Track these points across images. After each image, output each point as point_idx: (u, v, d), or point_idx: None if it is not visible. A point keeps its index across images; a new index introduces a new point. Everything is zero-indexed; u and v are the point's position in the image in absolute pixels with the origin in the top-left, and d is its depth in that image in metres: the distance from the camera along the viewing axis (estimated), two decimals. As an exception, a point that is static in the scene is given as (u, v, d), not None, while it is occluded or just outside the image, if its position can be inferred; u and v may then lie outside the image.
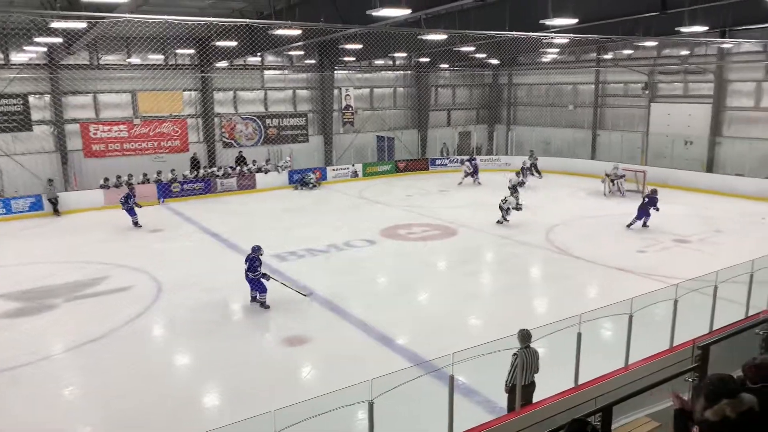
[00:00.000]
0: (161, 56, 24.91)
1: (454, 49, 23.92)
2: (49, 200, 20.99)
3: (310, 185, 26.04)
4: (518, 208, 18.22)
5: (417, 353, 9.52)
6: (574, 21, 13.42)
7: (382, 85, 32.42)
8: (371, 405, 5.29)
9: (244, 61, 26.92)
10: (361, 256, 15.41)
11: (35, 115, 22.81)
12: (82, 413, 8.38)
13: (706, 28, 15.11)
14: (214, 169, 25.66)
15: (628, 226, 17.57)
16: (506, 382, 6.89)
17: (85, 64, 23.29)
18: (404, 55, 28.86)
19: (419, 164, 30.74)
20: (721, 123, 25.23)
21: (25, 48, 20.09)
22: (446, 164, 30.46)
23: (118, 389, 8.74)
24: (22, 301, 12.54)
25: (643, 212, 17.59)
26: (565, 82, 31.87)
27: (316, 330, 10.75)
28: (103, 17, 11.82)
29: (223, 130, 27.38)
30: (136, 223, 18.98)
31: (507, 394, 6.95)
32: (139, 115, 25.03)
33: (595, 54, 30.04)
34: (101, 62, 23.92)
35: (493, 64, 32.82)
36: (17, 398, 8.59)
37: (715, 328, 7.92)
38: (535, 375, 6.92)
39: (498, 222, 18.36)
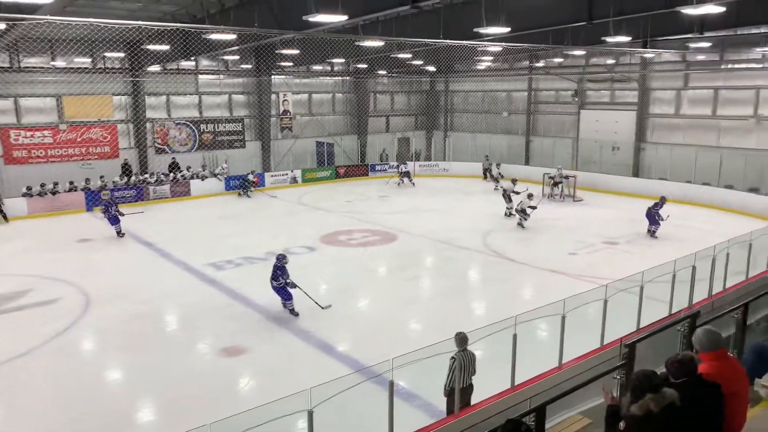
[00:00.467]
0: (89, 59, 23.95)
1: (392, 55, 24.14)
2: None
3: (250, 190, 25.56)
4: (532, 207, 18.68)
5: (357, 360, 9.49)
6: (507, 30, 13.78)
7: (320, 90, 32.30)
8: (311, 414, 5.24)
9: (177, 65, 26.25)
10: (300, 263, 15.19)
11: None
12: (3, 436, 7.91)
13: (630, 38, 15.90)
14: (147, 175, 24.85)
15: (652, 235, 17.41)
16: (445, 385, 6.97)
17: (4, 67, 22.13)
18: (342, 60, 28.88)
19: (359, 170, 30.79)
20: (645, 129, 26.51)
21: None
22: (386, 170, 30.63)
23: (45, 408, 8.30)
24: (-65, 318, 11.73)
25: (652, 218, 17.40)
26: (500, 89, 32.67)
27: (254, 340, 10.55)
28: (24, 19, 11.23)
29: (156, 135, 26.56)
30: (119, 233, 18.09)
31: (446, 398, 7.04)
32: (65, 120, 23.96)
33: (527, 62, 30.97)
34: (23, 65, 22.77)
35: (430, 71, 33.30)
36: (-70, 423, 8.03)
37: (642, 326, 8.28)
38: (473, 377, 7.03)
39: (519, 225, 18.69)
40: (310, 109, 31.96)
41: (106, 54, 23.53)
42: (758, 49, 21.18)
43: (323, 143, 31.50)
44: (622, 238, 17.48)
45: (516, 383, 6.94)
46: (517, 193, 19.98)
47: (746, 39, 21.71)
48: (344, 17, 11.75)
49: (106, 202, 18.62)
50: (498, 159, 29.63)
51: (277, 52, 24.45)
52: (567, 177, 23.93)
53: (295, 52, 22.18)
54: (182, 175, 25.51)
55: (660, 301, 9.11)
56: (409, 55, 24.74)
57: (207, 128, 27.99)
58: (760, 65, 22.50)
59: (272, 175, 27.77)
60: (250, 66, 28.56)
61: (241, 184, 25.69)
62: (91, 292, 13.02)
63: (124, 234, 18.14)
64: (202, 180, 25.63)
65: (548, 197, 23.35)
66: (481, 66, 31.36)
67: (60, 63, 23.42)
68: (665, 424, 3.71)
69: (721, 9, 11.83)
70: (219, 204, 23.81)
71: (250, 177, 25.82)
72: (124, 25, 12.01)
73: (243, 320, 11.46)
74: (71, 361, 9.95)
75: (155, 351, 10.16)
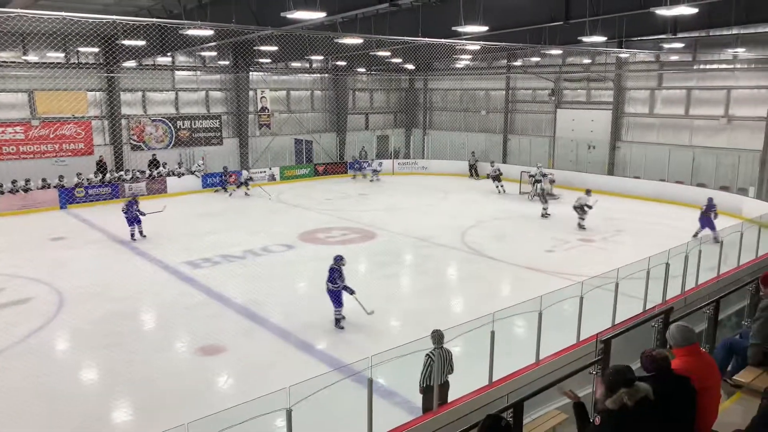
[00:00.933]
0: (62, 54, 23.49)
1: (371, 53, 24.11)
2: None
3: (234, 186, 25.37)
4: (588, 206, 18.21)
5: (336, 357, 9.50)
6: (485, 29, 13.87)
7: (299, 87, 32.13)
8: (289, 412, 5.22)
9: (154, 61, 25.89)
10: (279, 261, 15.17)
11: None
12: (-26, 438, 7.74)
13: (605, 38, 16.13)
14: (122, 173, 24.49)
15: (716, 240, 14.97)
16: (419, 382, 7.00)
17: (-26, 61, 21.64)
18: (321, 58, 28.75)
19: (338, 168, 30.71)
20: (620, 128, 26.88)
21: None
22: (365, 167, 30.60)
23: (19, 409, 8.12)
24: None
25: (705, 221, 16.52)
26: (478, 87, 32.87)
27: (232, 338, 10.48)
28: (-5, 11, 10.97)
29: (132, 132, 26.19)
30: (140, 233, 17.32)
31: (421, 395, 7.06)
32: (38, 116, 23.49)
33: (505, 61, 31.19)
34: (-7, 59, 22.29)
35: (409, 69, 33.33)
36: None
37: (617, 322, 8.40)
38: (450, 375, 7.06)
39: (579, 226, 18.31)
40: (289, 106, 31.79)
41: (80, 49, 23.14)
42: (730, 50, 21.62)
43: (302, 141, 31.35)
44: (597, 235, 17.72)
45: (494, 380, 6.98)
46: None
47: (718, 40, 22.19)
48: (323, 14, 11.72)
49: (128, 201, 17.71)
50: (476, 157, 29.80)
51: (255, 48, 24.26)
52: (545, 175, 24.16)
53: (274, 48, 22.04)
54: (158, 173, 25.19)
55: (634, 297, 9.26)
56: (388, 53, 24.74)
57: (184, 125, 27.68)
58: (732, 66, 22.98)
59: (251, 173, 27.52)
60: (227, 62, 28.30)
61: (220, 181, 25.47)
62: (65, 291, 12.81)
63: (137, 238, 17.24)
64: (179, 177, 25.34)
65: (531, 196, 23.44)
66: (460, 64, 31.49)
67: (32, 57, 22.90)
68: (639, 417, 3.78)
69: (694, 10, 12.04)
70: (196, 202, 23.56)
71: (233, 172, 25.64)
72: (98, 20, 11.78)
73: (220, 319, 11.38)
74: (46, 361, 9.77)
75: (131, 350, 10.02)
